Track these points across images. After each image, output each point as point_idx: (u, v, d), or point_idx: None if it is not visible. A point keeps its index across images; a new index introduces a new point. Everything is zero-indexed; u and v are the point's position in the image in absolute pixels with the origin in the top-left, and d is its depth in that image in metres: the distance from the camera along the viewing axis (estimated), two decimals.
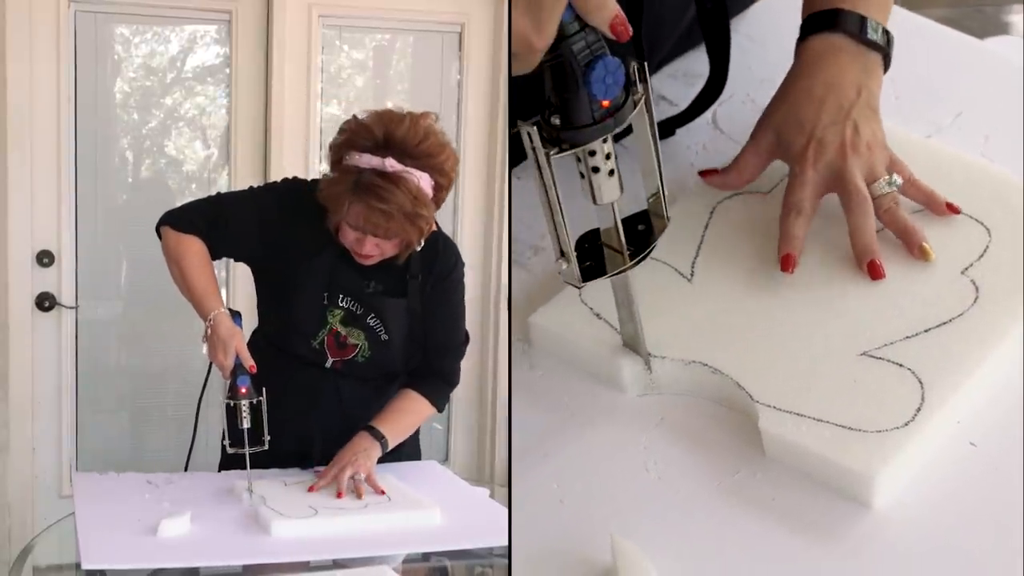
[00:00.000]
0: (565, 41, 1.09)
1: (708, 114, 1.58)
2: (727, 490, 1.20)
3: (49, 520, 1.99)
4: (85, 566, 1.49)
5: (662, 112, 1.59)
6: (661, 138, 1.54)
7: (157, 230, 1.91)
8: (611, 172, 1.17)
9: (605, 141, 1.14)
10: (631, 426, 1.27)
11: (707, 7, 1.53)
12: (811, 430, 1.20)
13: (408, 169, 1.76)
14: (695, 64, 1.64)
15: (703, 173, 1.45)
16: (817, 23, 1.42)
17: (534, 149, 1.12)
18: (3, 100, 2.81)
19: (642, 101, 1.16)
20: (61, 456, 2.98)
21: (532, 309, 1.37)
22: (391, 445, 1.87)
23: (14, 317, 2.90)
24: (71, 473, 2.89)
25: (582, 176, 1.18)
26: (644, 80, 1.15)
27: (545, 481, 1.22)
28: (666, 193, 1.23)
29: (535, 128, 1.12)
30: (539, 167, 1.13)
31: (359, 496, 1.74)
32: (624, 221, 1.22)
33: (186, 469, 1.99)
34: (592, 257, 1.23)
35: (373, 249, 1.82)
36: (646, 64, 1.50)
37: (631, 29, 1.10)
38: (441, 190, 1.82)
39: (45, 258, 2.92)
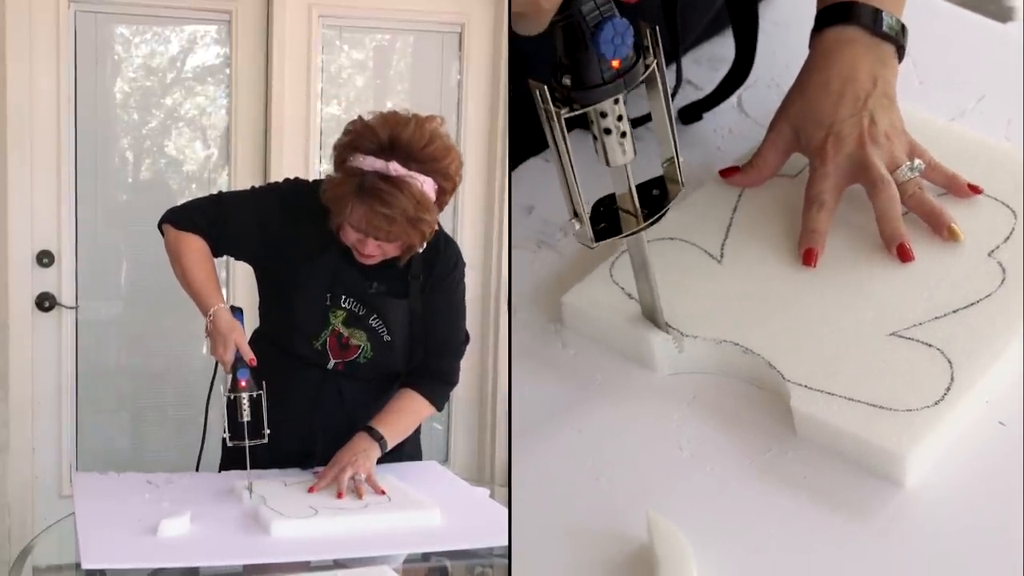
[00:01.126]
0: (575, 2, 1.11)
1: (734, 98, 1.59)
2: (759, 468, 1.21)
3: (49, 520, 1.99)
4: (85, 566, 1.49)
5: (688, 96, 1.60)
6: (687, 122, 1.58)
7: (160, 227, 1.92)
8: (623, 134, 1.18)
9: (616, 103, 1.16)
10: (663, 404, 1.28)
11: None
12: (842, 409, 1.21)
13: (412, 173, 1.76)
14: (720, 49, 1.65)
15: (723, 172, 1.46)
16: (832, 16, 1.43)
17: (545, 109, 1.14)
18: (3, 100, 2.81)
19: (654, 66, 1.17)
20: (61, 456, 2.98)
21: (563, 290, 1.38)
22: (390, 445, 1.87)
23: (14, 317, 2.90)
24: (71, 473, 2.89)
25: (595, 138, 1.19)
26: (657, 45, 1.16)
27: (579, 457, 1.23)
28: (681, 159, 1.24)
29: (546, 88, 1.14)
30: (550, 127, 1.15)
31: (359, 496, 1.74)
32: (640, 186, 1.24)
33: (197, 468, 1.98)
34: (608, 220, 1.25)
35: (375, 250, 1.82)
36: (679, 46, 1.51)
37: None
38: (445, 194, 1.82)
39: (45, 258, 2.92)
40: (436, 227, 1.84)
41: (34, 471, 2.96)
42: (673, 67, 1.58)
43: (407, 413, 1.93)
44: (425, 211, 1.77)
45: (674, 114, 1.53)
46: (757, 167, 1.44)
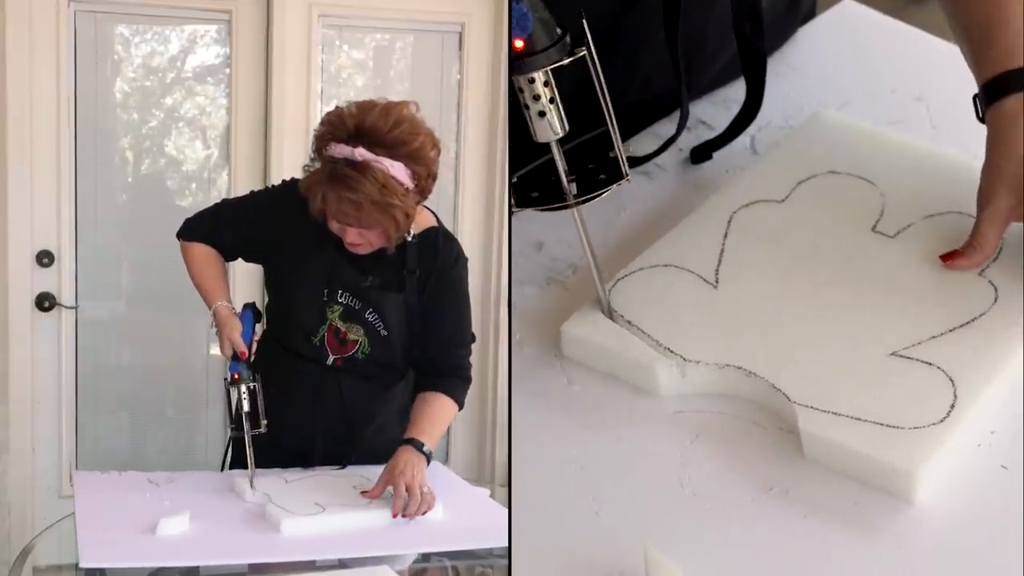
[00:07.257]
0: None
1: (747, 139, 1.62)
2: (766, 488, 1.22)
3: (49, 520, 1.99)
4: (84, 564, 1.49)
5: (700, 136, 1.64)
6: (697, 161, 1.62)
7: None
8: (541, 113, 1.22)
9: (532, 82, 1.19)
10: (668, 434, 1.29)
11: (745, 32, 1.55)
12: (850, 428, 1.22)
13: (378, 158, 1.74)
14: (735, 91, 1.68)
15: (944, 257, 1.41)
16: (1008, 84, 1.38)
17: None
18: (3, 100, 2.81)
19: (583, 58, 1.20)
20: (61, 456, 2.98)
21: None
22: (432, 452, 1.84)
23: (14, 317, 2.90)
24: (71, 472, 2.89)
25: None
26: (587, 38, 1.20)
27: (581, 493, 1.24)
28: (623, 153, 1.27)
29: None
30: None
31: (427, 511, 1.71)
32: (590, 168, 1.28)
33: (222, 469, 1.99)
34: (548, 190, 1.28)
35: (357, 238, 1.82)
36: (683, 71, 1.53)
37: None
38: (422, 178, 1.80)
39: (45, 258, 2.92)
40: (411, 213, 1.80)
41: (34, 471, 2.95)
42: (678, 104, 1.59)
43: (439, 419, 1.90)
44: (392, 195, 1.75)
45: (677, 148, 1.59)
46: (980, 247, 1.39)
